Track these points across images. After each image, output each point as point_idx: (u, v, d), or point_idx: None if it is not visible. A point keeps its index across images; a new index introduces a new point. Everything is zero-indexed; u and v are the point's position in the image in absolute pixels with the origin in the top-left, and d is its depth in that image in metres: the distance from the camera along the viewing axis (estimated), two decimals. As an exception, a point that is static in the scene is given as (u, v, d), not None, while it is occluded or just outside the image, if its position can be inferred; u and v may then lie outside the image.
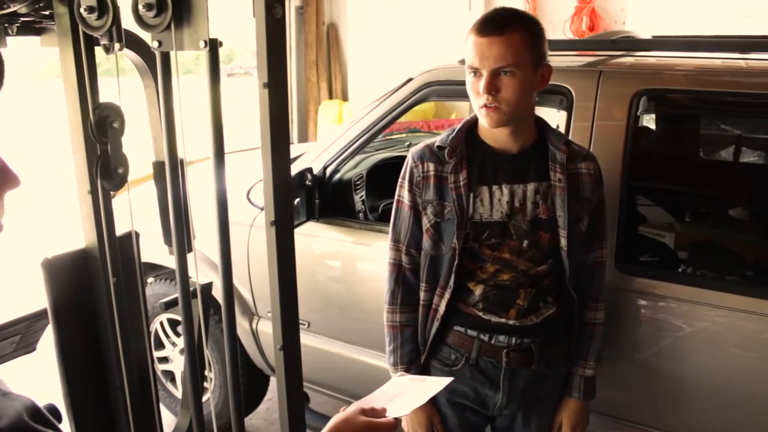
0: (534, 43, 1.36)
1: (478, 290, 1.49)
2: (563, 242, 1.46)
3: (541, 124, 1.51)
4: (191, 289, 1.35)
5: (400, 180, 1.55)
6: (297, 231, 1.23)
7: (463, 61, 1.42)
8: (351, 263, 2.30)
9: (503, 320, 1.49)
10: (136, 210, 1.39)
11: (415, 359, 1.57)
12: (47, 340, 1.53)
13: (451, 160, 1.46)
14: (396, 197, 1.56)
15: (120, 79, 1.27)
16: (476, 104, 1.40)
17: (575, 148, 1.51)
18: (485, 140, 1.49)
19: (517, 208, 1.46)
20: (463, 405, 1.57)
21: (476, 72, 1.37)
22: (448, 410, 1.58)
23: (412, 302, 1.56)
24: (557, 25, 5.46)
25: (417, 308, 1.56)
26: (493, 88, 1.35)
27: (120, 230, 1.44)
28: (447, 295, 1.49)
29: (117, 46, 1.18)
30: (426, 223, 1.50)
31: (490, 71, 1.34)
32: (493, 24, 1.35)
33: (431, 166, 1.48)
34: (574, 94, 1.85)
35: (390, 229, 1.58)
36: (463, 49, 1.42)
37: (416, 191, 1.51)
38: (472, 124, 1.51)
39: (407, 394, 1.10)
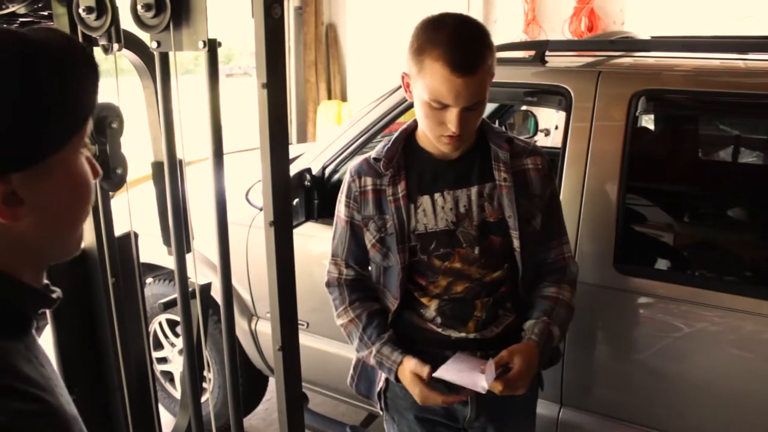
0: (493, 66, 1.31)
1: (433, 305, 1.44)
2: (516, 243, 1.40)
3: (482, 124, 1.43)
4: (190, 289, 1.35)
5: (339, 195, 1.50)
6: (296, 231, 1.23)
7: None
8: (350, 264, 2.29)
9: (463, 335, 1.44)
10: (135, 210, 1.39)
11: (382, 332, 1.45)
12: (46, 340, 1.52)
13: (387, 171, 1.41)
14: (335, 212, 1.52)
15: (119, 79, 1.27)
16: (435, 132, 1.33)
17: (519, 144, 1.45)
18: (424, 147, 1.43)
19: (462, 214, 1.40)
20: (433, 421, 1.51)
21: (440, 103, 1.28)
22: (418, 427, 1.51)
23: (359, 298, 1.50)
24: (556, 25, 5.46)
25: (367, 303, 1.50)
26: (463, 123, 1.29)
27: (119, 231, 1.44)
28: (396, 306, 1.45)
29: (116, 46, 1.18)
30: (371, 238, 1.45)
31: (462, 108, 1.27)
32: (469, 61, 1.24)
33: (368, 180, 1.43)
34: (573, 94, 1.85)
35: (331, 244, 1.54)
36: None
37: (354, 206, 1.45)
38: (410, 132, 1.46)
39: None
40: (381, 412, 1.60)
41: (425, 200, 1.41)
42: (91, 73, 0.71)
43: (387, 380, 1.52)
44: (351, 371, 1.63)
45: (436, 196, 1.41)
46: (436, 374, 1.33)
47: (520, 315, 1.47)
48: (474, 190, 1.41)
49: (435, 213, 1.41)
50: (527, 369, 1.35)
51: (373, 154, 1.46)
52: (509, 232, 1.41)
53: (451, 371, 1.32)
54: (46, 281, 0.73)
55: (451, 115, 1.28)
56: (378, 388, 1.56)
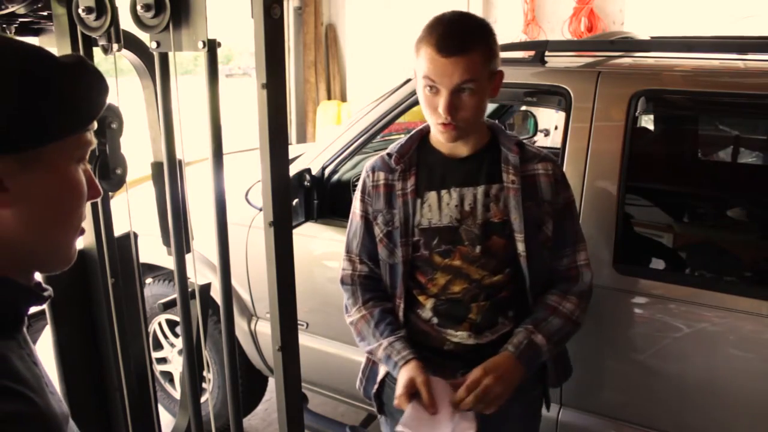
0: (491, 55, 1.33)
1: (429, 304, 1.45)
2: (520, 247, 1.40)
3: (495, 128, 1.48)
4: (190, 289, 1.35)
5: (355, 192, 1.54)
6: (295, 232, 1.23)
7: None
8: (350, 264, 2.29)
9: (458, 338, 1.43)
10: (135, 211, 1.39)
11: (396, 329, 1.45)
12: (46, 340, 1.52)
13: (398, 167, 1.44)
14: (351, 209, 1.54)
15: (118, 79, 1.27)
16: (432, 120, 1.36)
17: (530, 150, 1.46)
18: (435, 146, 1.46)
19: (467, 212, 1.41)
20: None
21: (433, 87, 1.32)
22: None
23: (372, 298, 1.50)
24: (555, 25, 5.46)
25: (380, 302, 1.50)
26: (453, 108, 1.31)
27: (118, 231, 1.44)
28: (401, 305, 1.46)
29: (115, 46, 1.18)
30: (378, 232, 1.47)
31: (450, 90, 1.30)
32: (455, 43, 1.28)
33: (381, 175, 1.47)
34: (572, 94, 1.85)
35: (345, 240, 1.55)
36: None
37: (368, 201, 1.48)
38: (425, 133, 1.48)
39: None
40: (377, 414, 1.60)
41: (432, 196, 1.43)
42: (94, 81, 0.72)
43: (381, 382, 1.53)
44: (360, 374, 1.63)
45: (443, 192, 1.43)
46: (400, 426, 1.29)
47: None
48: (480, 189, 1.42)
49: (440, 208, 1.43)
50: (496, 382, 1.32)
51: (388, 150, 1.49)
52: (514, 236, 1.41)
53: (418, 422, 1.29)
54: (37, 280, 0.74)
55: (441, 99, 1.31)
56: (374, 390, 1.55)
